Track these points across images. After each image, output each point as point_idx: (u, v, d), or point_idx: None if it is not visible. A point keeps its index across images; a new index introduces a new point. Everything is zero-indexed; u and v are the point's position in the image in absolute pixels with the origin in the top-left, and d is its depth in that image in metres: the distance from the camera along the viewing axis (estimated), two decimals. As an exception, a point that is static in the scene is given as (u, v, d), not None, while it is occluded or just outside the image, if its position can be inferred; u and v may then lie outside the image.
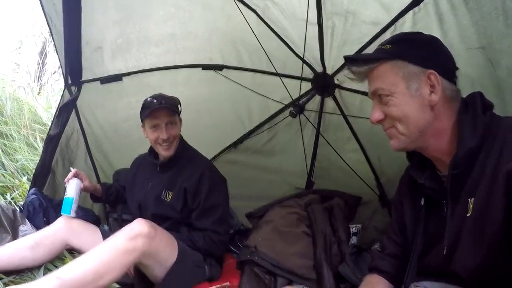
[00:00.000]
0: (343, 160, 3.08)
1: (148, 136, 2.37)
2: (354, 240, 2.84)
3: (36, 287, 1.70)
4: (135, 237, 1.88)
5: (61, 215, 2.31)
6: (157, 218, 2.28)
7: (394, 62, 1.34)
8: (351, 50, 2.65)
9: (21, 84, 5.33)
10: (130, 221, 2.59)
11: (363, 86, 2.76)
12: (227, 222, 2.42)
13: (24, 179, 3.62)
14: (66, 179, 2.37)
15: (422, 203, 1.46)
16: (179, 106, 2.40)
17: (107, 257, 1.81)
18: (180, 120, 2.44)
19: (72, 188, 2.33)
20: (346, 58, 1.45)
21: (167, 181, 2.39)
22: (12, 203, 3.22)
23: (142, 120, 2.38)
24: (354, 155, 3.13)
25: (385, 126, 1.42)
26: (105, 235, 2.30)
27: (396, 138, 1.40)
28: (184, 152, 2.45)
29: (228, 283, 2.32)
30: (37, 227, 2.56)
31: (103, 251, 1.84)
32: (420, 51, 1.35)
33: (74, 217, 2.30)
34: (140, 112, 2.36)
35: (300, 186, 3.45)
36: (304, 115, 3.01)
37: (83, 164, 3.14)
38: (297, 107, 2.63)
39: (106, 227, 2.99)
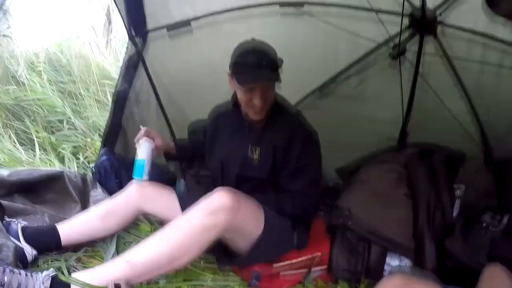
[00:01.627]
0: (445, 107, 2.64)
1: (238, 95, 2.00)
2: (457, 205, 2.45)
3: (104, 272, 1.55)
4: (216, 212, 1.64)
5: (133, 177, 2.10)
6: (241, 179, 2.03)
7: None
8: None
9: (87, 40, 5.20)
10: (209, 177, 2.43)
11: (472, 23, 2.34)
12: (320, 183, 2.10)
13: (96, 136, 3.53)
14: (135, 139, 2.14)
15: None
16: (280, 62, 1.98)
17: (183, 238, 1.61)
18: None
19: (143, 150, 2.10)
20: None
21: (253, 136, 2.07)
22: (86, 163, 3.13)
23: (231, 68, 1.99)
24: (457, 104, 2.69)
25: None
26: (181, 199, 2.07)
27: None
28: (275, 104, 2.08)
29: (319, 253, 2.05)
30: (110, 189, 2.44)
31: (177, 230, 1.64)
32: None
33: (147, 180, 2.08)
34: (232, 63, 1.96)
35: (393, 136, 3.03)
36: (407, 59, 2.57)
37: (155, 119, 2.94)
38: (397, 47, 2.20)
39: (182, 183, 2.79)
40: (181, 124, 2.99)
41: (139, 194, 2.02)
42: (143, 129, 2.15)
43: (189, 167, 2.72)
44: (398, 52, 2.16)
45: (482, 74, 2.49)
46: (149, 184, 2.07)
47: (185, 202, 1.99)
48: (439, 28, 2.50)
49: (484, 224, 2.15)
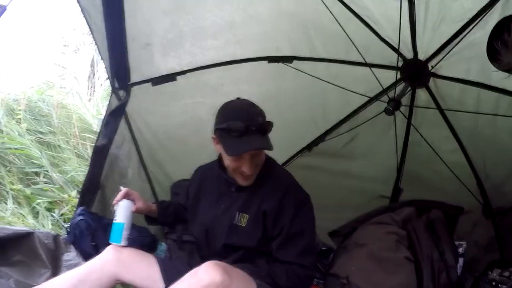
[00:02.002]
0: (442, 161, 2.58)
1: (224, 161, 1.86)
2: (460, 263, 2.32)
3: None
4: None
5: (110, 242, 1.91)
6: (229, 248, 1.85)
7: None
8: (450, 30, 2.18)
9: (70, 91, 5.07)
10: (192, 243, 2.25)
11: (464, 74, 2.26)
12: (315, 252, 1.94)
13: (74, 192, 3.35)
14: (114, 201, 1.97)
15: None
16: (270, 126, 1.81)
17: None
18: None
19: (122, 212, 1.93)
20: None
21: (241, 202, 1.90)
22: (61, 221, 2.94)
23: (216, 133, 1.84)
24: (452, 156, 2.63)
25: None
26: (164, 266, 1.88)
27: None
28: (264, 166, 1.92)
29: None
30: (85, 253, 2.23)
31: None
32: None
33: (125, 245, 1.90)
34: (217, 129, 1.81)
35: (385, 194, 3.00)
36: (400, 111, 2.49)
37: (136, 177, 2.79)
38: (392, 102, 2.12)
39: (163, 246, 2.64)
40: (164, 183, 2.87)
41: (116, 261, 1.82)
42: (122, 190, 1.99)
43: (171, 231, 2.54)
44: (393, 107, 2.06)
45: (476, 122, 2.44)
46: (127, 250, 1.87)
47: (168, 271, 1.80)
48: (431, 80, 2.46)
49: (493, 283, 2.03)
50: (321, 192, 2.81)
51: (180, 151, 2.81)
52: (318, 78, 2.56)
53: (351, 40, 2.26)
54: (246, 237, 1.84)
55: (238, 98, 1.87)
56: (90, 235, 2.30)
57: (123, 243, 1.88)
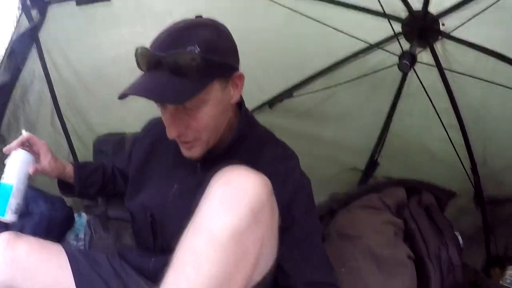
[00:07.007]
0: (445, 132, 2.16)
1: None
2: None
3: None
4: None
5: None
6: None
7: None
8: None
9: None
10: (122, 220, 1.84)
11: (484, 40, 1.88)
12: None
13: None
14: (6, 148, 1.28)
15: None
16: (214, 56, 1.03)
17: None
18: (234, 80, 1.11)
19: (13, 169, 1.26)
20: None
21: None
22: None
23: None
24: (448, 132, 2.20)
25: None
26: (77, 265, 1.25)
27: None
28: (248, 133, 1.23)
29: None
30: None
31: None
32: None
33: (14, 221, 1.25)
34: None
35: (358, 167, 2.62)
36: (416, 69, 2.00)
37: (49, 128, 2.30)
38: (407, 55, 1.64)
39: (83, 218, 2.11)
40: (85, 137, 2.44)
41: (8, 263, 1.16)
42: (24, 135, 1.32)
43: (93, 203, 1.93)
44: (410, 61, 1.58)
45: (486, 97, 2.05)
46: (25, 243, 1.20)
47: (83, 273, 1.20)
48: (439, 41, 2.01)
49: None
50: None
51: (109, 96, 2.16)
52: (297, 12, 1.99)
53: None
54: None
55: (198, 17, 1.14)
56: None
57: (8, 216, 1.22)
